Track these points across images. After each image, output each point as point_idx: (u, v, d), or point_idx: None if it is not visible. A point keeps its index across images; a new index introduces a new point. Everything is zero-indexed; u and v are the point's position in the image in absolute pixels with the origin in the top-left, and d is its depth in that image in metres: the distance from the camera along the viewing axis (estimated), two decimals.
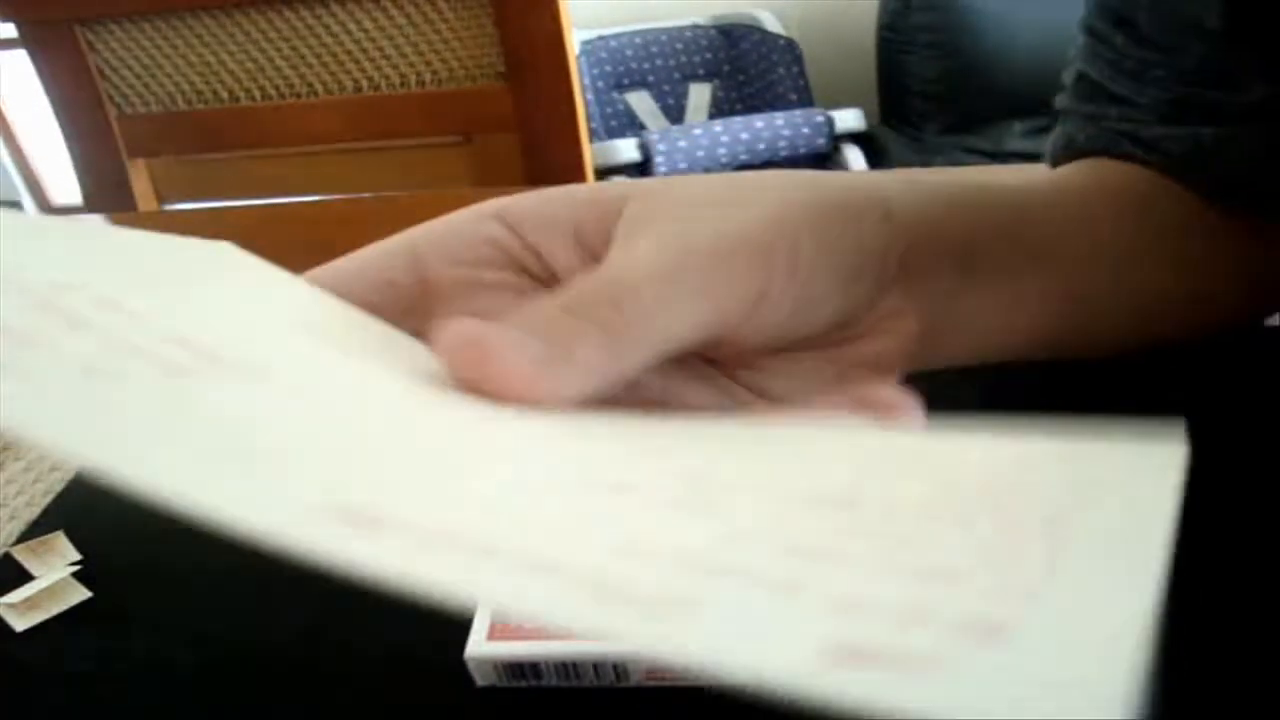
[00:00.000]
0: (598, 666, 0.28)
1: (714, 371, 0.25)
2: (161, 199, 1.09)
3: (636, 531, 0.14)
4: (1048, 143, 0.42)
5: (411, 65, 1.02)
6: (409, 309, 0.24)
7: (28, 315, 0.17)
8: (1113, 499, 0.16)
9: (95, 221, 0.24)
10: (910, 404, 0.21)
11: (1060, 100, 0.41)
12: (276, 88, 1.04)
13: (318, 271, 0.24)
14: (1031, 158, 0.55)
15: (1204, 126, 0.35)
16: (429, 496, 0.14)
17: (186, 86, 1.05)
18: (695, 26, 2.14)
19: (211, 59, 1.03)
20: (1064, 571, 0.13)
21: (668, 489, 0.16)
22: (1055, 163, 0.41)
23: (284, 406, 0.17)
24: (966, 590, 0.12)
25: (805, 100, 2.08)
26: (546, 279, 0.25)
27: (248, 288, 0.23)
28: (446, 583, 0.11)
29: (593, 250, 0.24)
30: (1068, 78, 0.41)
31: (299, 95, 1.04)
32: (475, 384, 0.19)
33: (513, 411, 0.18)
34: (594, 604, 0.12)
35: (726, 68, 2.14)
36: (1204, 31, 0.35)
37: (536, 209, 0.24)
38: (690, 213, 0.23)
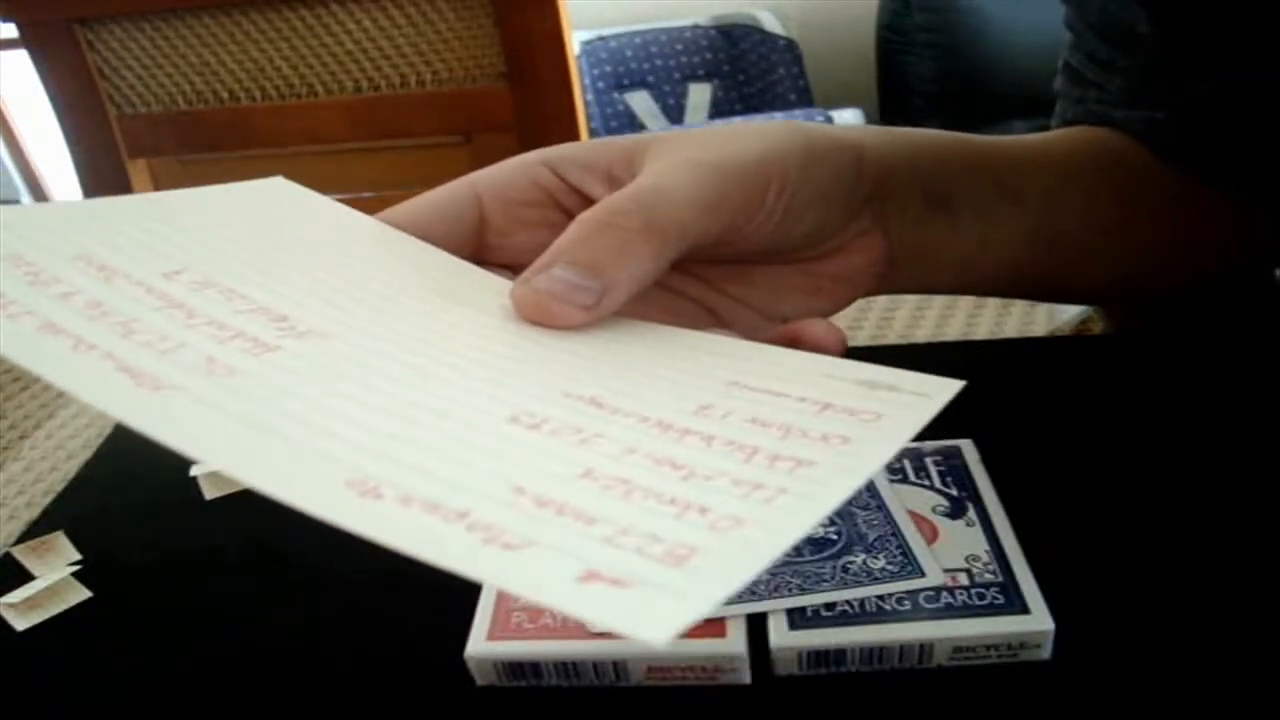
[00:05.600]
0: (598, 666, 0.28)
1: (694, 284, 0.30)
2: None
3: (526, 470, 0.18)
4: (1052, 120, 0.46)
5: (411, 65, 1.02)
6: (469, 239, 0.29)
7: (159, 318, 0.20)
8: (875, 432, 0.19)
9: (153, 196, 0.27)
10: (837, 337, 0.26)
11: (1056, 82, 0.46)
12: (276, 88, 1.04)
13: (389, 212, 0.28)
14: None
15: (1158, 112, 0.40)
16: (426, 464, 0.17)
17: (187, 86, 1.05)
18: (695, 27, 2.14)
19: (212, 59, 1.03)
20: (780, 501, 0.17)
21: (575, 417, 0.20)
22: None
23: (340, 371, 0.20)
24: (695, 522, 0.16)
25: (805, 100, 2.08)
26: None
27: (322, 233, 0.27)
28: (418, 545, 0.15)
29: (623, 185, 0.27)
30: (1060, 62, 0.45)
31: (299, 95, 1.04)
32: (542, 324, 0.24)
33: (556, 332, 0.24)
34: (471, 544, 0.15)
35: (726, 68, 2.14)
36: (1140, 35, 0.40)
37: (575, 154, 0.29)
38: (701, 144, 0.28)
